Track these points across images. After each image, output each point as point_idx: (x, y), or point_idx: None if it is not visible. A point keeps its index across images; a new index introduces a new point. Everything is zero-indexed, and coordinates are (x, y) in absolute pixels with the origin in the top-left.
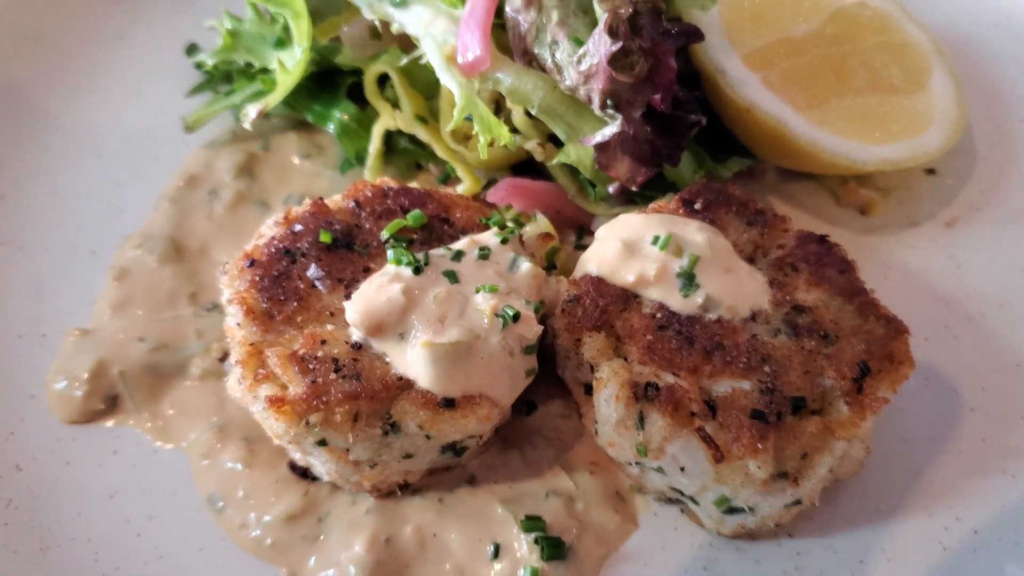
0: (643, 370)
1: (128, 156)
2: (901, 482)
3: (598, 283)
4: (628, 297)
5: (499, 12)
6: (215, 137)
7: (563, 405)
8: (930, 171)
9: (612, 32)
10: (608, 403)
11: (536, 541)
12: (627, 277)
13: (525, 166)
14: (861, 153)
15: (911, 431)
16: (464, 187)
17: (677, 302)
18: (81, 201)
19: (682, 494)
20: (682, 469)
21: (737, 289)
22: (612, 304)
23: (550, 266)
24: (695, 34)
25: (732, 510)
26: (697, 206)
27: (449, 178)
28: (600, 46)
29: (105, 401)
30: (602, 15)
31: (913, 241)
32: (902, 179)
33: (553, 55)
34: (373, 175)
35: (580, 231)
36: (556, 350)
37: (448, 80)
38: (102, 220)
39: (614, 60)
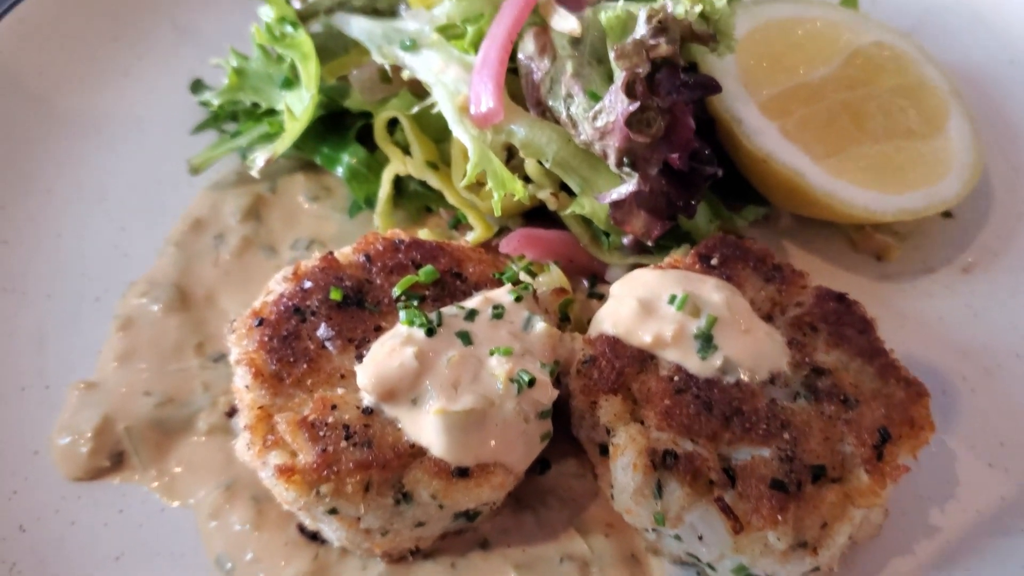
0: (661, 436)
1: (132, 198)
2: (919, 542)
3: (614, 344)
4: (645, 358)
5: (512, 56)
6: (221, 178)
7: (577, 464)
8: (946, 214)
9: (629, 91)
10: (625, 471)
11: None
12: (644, 338)
13: (537, 211)
14: (879, 204)
15: (928, 488)
16: (476, 234)
17: (695, 364)
18: (85, 246)
19: (699, 560)
20: (700, 538)
21: (756, 351)
22: (629, 366)
23: (563, 317)
24: (712, 86)
25: None
26: (714, 261)
27: (460, 223)
28: (616, 104)
29: (111, 458)
30: (619, 73)
31: (930, 288)
32: (918, 223)
33: (568, 108)
34: (383, 221)
35: (593, 279)
36: (571, 410)
37: (461, 133)
38: (106, 266)
39: (631, 120)
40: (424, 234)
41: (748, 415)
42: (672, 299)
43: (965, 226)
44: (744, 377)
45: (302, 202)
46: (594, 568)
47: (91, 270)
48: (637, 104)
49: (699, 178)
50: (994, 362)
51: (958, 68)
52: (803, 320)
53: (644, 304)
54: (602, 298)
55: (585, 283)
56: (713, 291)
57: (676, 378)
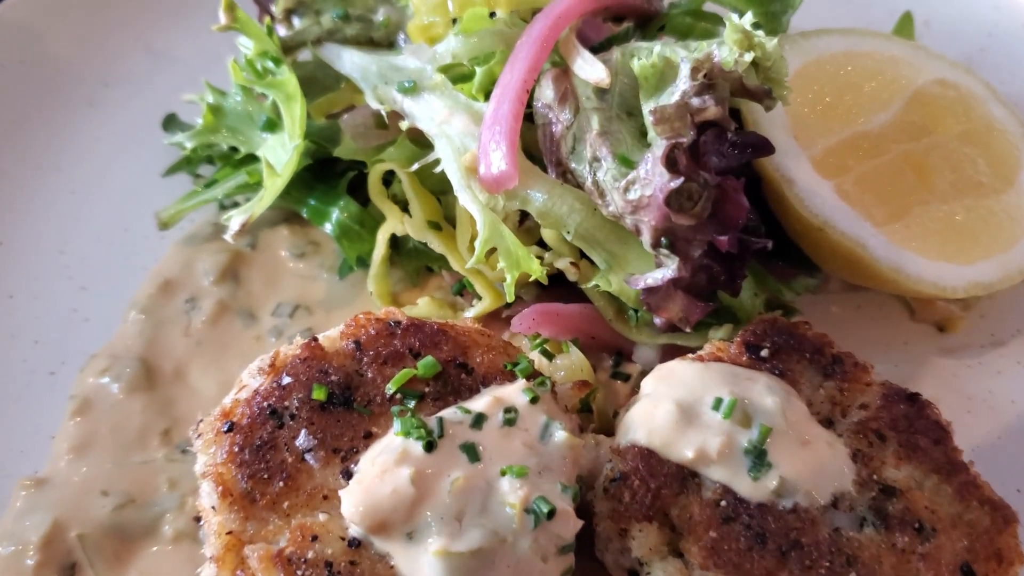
0: (706, 575)
1: (95, 252)
2: None
3: (649, 458)
4: (685, 476)
5: (529, 101)
6: (195, 230)
7: None
8: None
9: (670, 163)
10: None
11: None
12: (685, 453)
13: (553, 278)
14: (950, 277)
15: None
16: (483, 304)
17: (746, 486)
18: (39, 307)
19: None
20: None
21: (816, 468)
22: (666, 487)
23: (584, 408)
24: (764, 147)
25: None
26: (764, 352)
27: (464, 290)
28: (654, 177)
29: (61, 572)
30: (658, 141)
31: (999, 366)
32: None
33: (594, 174)
34: (376, 285)
35: (618, 357)
36: (596, 532)
37: (467, 200)
38: (63, 332)
39: (671, 198)
40: (423, 303)
41: (808, 549)
42: (717, 403)
43: None
44: (803, 501)
45: (286, 259)
46: None
47: (46, 337)
48: (680, 179)
49: (747, 252)
50: None
51: (1021, 100)
52: (869, 426)
53: (684, 409)
54: (628, 379)
55: (609, 362)
56: (765, 394)
57: (724, 503)
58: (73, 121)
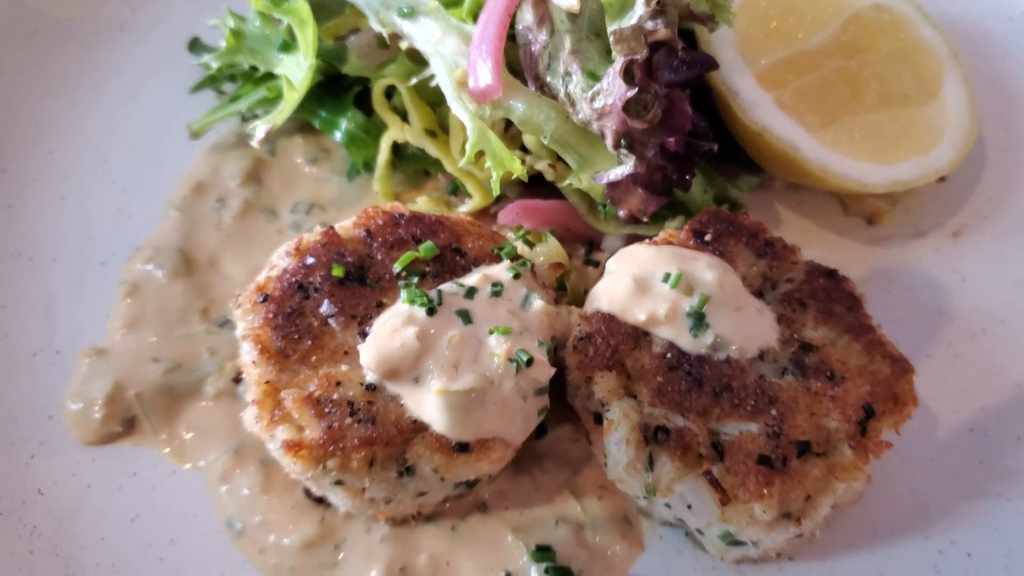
0: (653, 412)
1: (134, 160)
2: (899, 505)
3: (609, 321)
4: (639, 336)
5: (511, 22)
6: (221, 139)
7: (573, 429)
8: (940, 178)
9: (627, 76)
10: (619, 446)
11: (546, 571)
12: (638, 316)
13: (534, 179)
14: (872, 175)
15: (910, 452)
16: (474, 202)
17: (687, 342)
18: (89, 209)
19: (687, 525)
20: (689, 507)
21: (746, 328)
22: (623, 343)
23: (559, 287)
24: (710, 64)
25: (736, 543)
26: (707, 237)
27: (458, 190)
28: (614, 88)
29: (123, 424)
30: (619, 59)
31: (919, 252)
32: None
33: (566, 86)
34: (382, 186)
35: (590, 247)
36: (567, 382)
37: (459, 110)
38: (111, 229)
39: (628, 104)
40: (422, 201)
41: (737, 391)
42: (666, 277)
43: (957, 190)
44: (734, 354)
45: (301, 165)
46: (588, 529)
47: (96, 233)
48: (635, 90)
49: (695, 154)
50: (979, 327)
51: (955, 26)
52: (793, 296)
53: (639, 282)
54: (598, 265)
55: (582, 250)
56: (706, 269)
57: (669, 355)
58: (107, 45)
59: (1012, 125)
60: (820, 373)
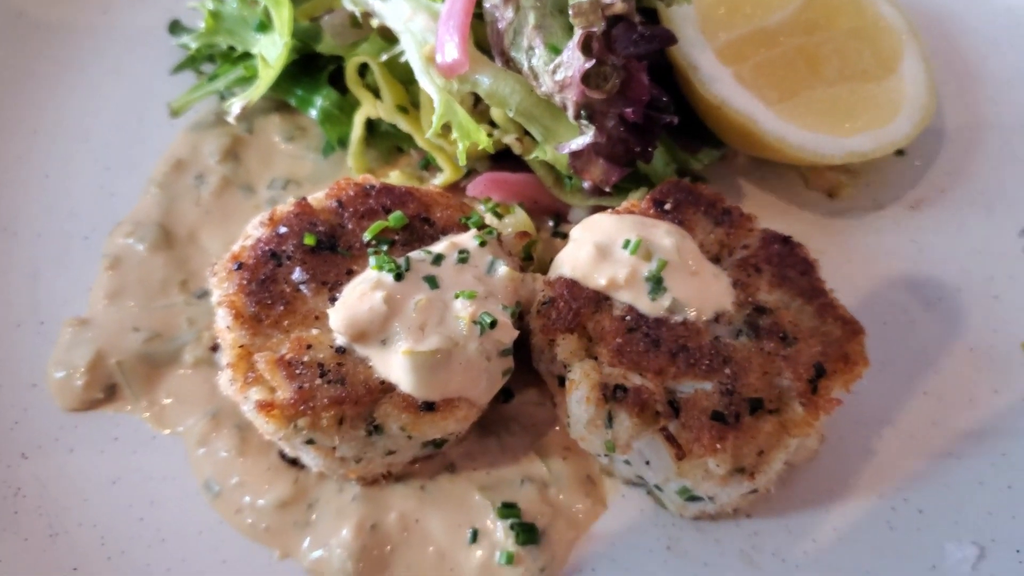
0: (612, 371)
1: (116, 138)
2: (854, 464)
3: (572, 286)
4: (600, 299)
5: (479, 2)
6: (200, 118)
7: (538, 393)
8: (899, 152)
9: (585, 48)
10: (579, 404)
11: (511, 527)
12: (599, 280)
13: (503, 153)
14: (829, 146)
15: (865, 414)
16: (444, 176)
17: (646, 305)
18: (72, 185)
19: (647, 482)
20: (647, 463)
21: (702, 292)
22: (585, 307)
23: (527, 257)
24: (668, 38)
25: (693, 498)
26: (667, 206)
27: (430, 164)
28: (574, 60)
29: (104, 390)
30: (577, 32)
31: (878, 224)
32: (871, 161)
33: (529, 60)
34: (356, 162)
35: (557, 219)
36: (531, 346)
37: (427, 84)
38: (93, 205)
39: (587, 76)
40: (395, 175)
41: (693, 352)
42: (627, 244)
43: (916, 163)
44: (691, 317)
45: (278, 142)
46: (552, 488)
47: (79, 209)
48: (593, 62)
49: (655, 126)
50: (935, 295)
51: (916, 5)
52: (748, 262)
53: (601, 248)
54: (565, 237)
55: (550, 223)
56: (664, 236)
57: (628, 318)
58: (90, 27)
59: (971, 101)
60: (773, 334)
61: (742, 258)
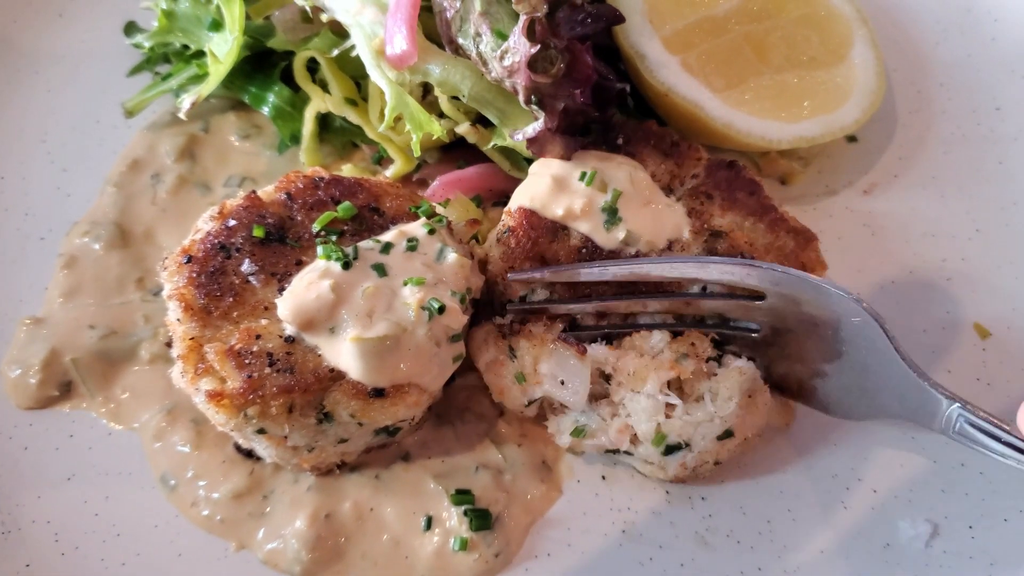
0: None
1: (72, 139)
2: (808, 445)
3: (530, 215)
4: (557, 229)
5: None
6: (157, 118)
7: None
8: (851, 139)
9: (530, 33)
10: (485, 351)
11: (465, 513)
12: (557, 211)
13: (451, 145)
14: (776, 132)
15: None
16: (396, 167)
17: (601, 237)
18: (27, 186)
19: (616, 452)
20: (562, 382)
21: (656, 221)
22: (543, 236)
23: (473, 237)
24: (614, 17)
25: (669, 449)
26: (619, 141)
27: (383, 158)
28: (519, 47)
29: (59, 388)
30: (521, 18)
31: (831, 210)
32: (823, 148)
33: (478, 47)
34: (308, 156)
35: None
36: (487, 273)
37: (378, 77)
38: (50, 205)
39: (533, 61)
40: (348, 169)
41: (642, 284)
42: (583, 176)
43: (868, 149)
44: (643, 248)
45: (233, 141)
46: (507, 475)
47: (35, 210)
48: (538, 46)
49: (610, 92)
50: (888, 278)
51: None
52: (699, 190)
53: (558, 180)
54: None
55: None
56: (618, 167)
57: (584, 249)
58: (45, 30)
59: (923, 88)
60: (731, 256)
61: (693, 187)
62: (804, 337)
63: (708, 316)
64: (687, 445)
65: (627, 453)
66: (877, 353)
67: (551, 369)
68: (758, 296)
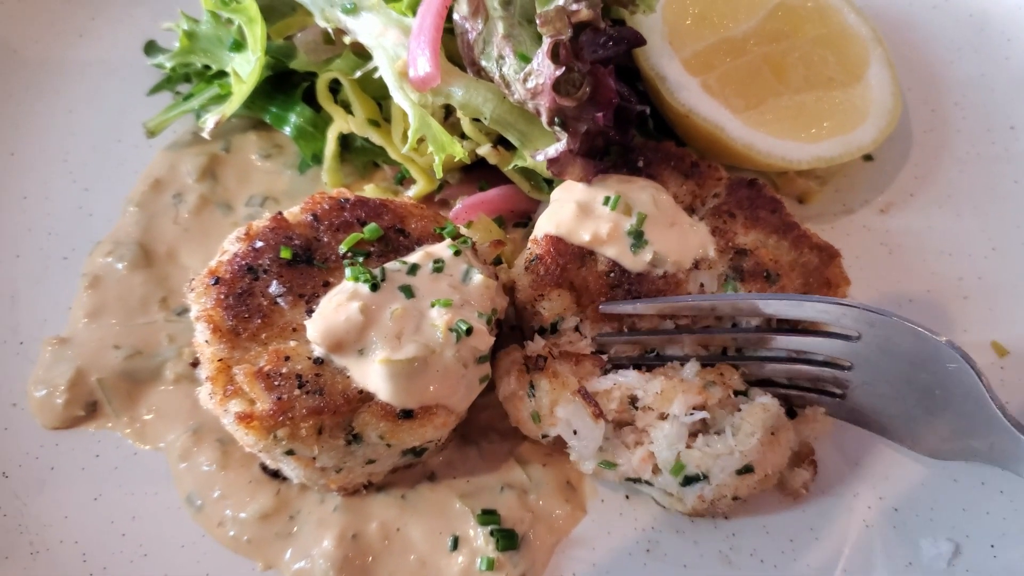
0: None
1: (94, 159)
2: (830, 464)
3: (557, 242)
4: (584, 255)
5: (450, 16)
6: (178, 138)
7: None
8: (867, 157)
9: (554, 56)
10: (507, 383)
11: (492, 533)
12: (583, 236)
13: (472, 166)
14: (795, 152)
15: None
16: (418, 187)
17: (628, 260)
18: (50, 206)
19: (637, 480)
20: (575, 432)
21: (681, 242)
22: (571, 262)
23: (496, 260)
24: (636, 39)
25: (688, 480)
26: (640, 164)
27: (405, 178)
28: (544, 68)
29: (85, 408)
30: (545, 40)
31: (848, 228)
32: (841, 167)
33: (500, 69)
34: (331, 177)
35: (528, 218)
36: (516, 301)
37: (401, 99)
38: (72, 225)
39: (557, 85)
40: (370, 189)
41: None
42: (606, 200)
43: (885, 168)
44: (671, 268)
45: (255, 160)
46: (532, 495)
47: (58, 230)
48: (563, 69)
49: (630, 114)
50: (905, 297)
51: (883, 14)
52: (721, 209)
53: (582, 206)
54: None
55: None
56: (641, 190)
57: (612, 274)
58: (68, 50)
59: (937, 107)
60: (757, 275)
61: (715, 206)
62: (895, 378)
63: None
64: (705, 477)
65: (648, 483)
66: (971, 399)
67: (567, 415)
68: (850, 336)
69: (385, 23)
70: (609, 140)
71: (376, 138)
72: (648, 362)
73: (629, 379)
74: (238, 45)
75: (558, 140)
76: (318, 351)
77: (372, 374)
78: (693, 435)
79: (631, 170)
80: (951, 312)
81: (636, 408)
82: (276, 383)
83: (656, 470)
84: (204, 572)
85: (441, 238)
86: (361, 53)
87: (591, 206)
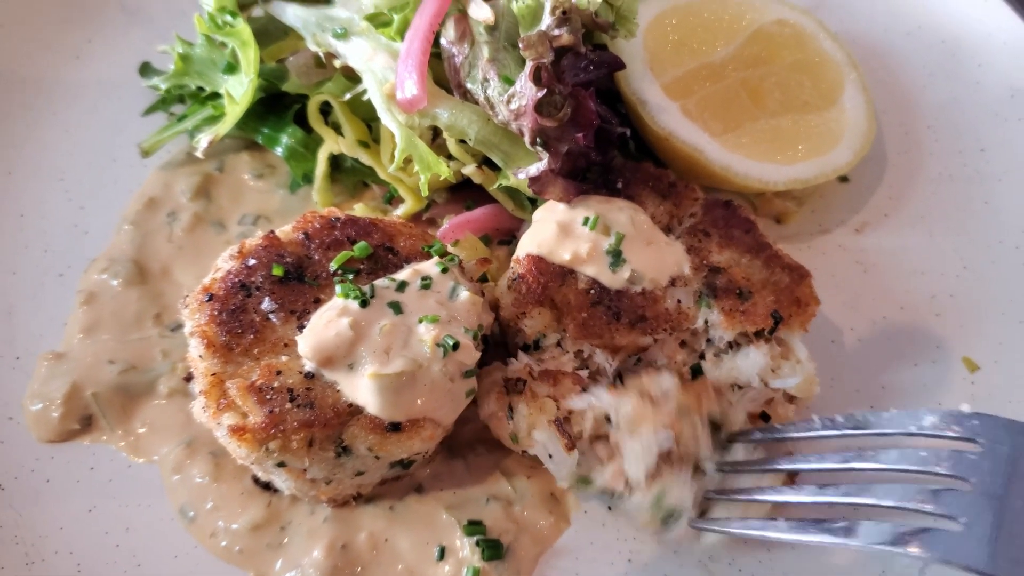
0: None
1: (89, 178)
2: (805, 476)
3: (539, 261)
4: (565, 273)
5: (437, 41)
6: (172, 158)
7: None
8: (843, 179)
9: (536, 78)
10: (488, 403)
11: (477, 543)
12: (564, 256)
13: (458, 186)
14: (772, 174)
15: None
16: (406, 207)
17: (607, 278)
18: (46, 224)
19: (613, 495)
20: (550, 456)
21: (658, 260)
22: (552, 280)
23: (482, 278)
24: (616, 64)
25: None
26: (619, 185)
27: (394, 197)
28: (526, 91)
29: (80, 421)
30: (528, 64)
31: (824, 248)
32: (817, 189)
33: (485, 91)
34: (321, 196)
35: (512, 237)
36: (499, 318)
37: (388, 120)
38: (68, 242)
39: (539, 106)
40: (360, 208)
41: (650, 320)
42: (586, 221)
43: (860, 189)
44: (648, 286)
45: (247, 180)
46: (517, 506)
47: (54, 247)
48: (544, 91)
49: (610, 136)
50: (879, 314)
51: (859, 40)
52: (697, 228)
53: (563, 226)
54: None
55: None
56: (619, 211)
57: (592, 292)
58: (63, 71)
59: (911, 130)
60: (730, 292)
61: (691, 226)
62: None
63: None
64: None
65: (622, 496)
66: None
67: (543, 439)
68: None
69: (374, 47)
70: (590, 160)
71: (365, 158)
72: (629, 369)
73: (603, 401)
74: (231, 68)
75: (540, 159)
76: (309, 366)
77: (361, 388)
78: (665, 455)
79: (611, 191)
80: (924, 329)
81: (610, 423)
82: (268, 397)
83: (627, 486)
84: None
85: (429, 256)
86: (351, 76)
87: (571, 226)
